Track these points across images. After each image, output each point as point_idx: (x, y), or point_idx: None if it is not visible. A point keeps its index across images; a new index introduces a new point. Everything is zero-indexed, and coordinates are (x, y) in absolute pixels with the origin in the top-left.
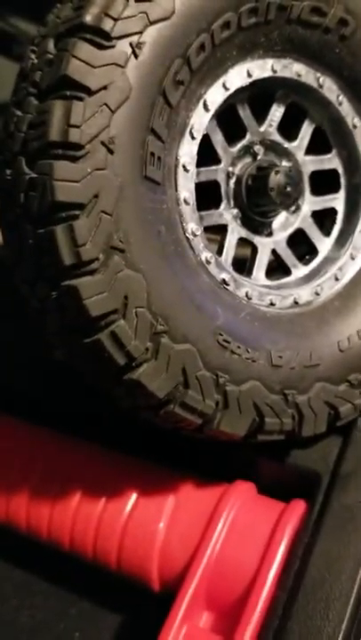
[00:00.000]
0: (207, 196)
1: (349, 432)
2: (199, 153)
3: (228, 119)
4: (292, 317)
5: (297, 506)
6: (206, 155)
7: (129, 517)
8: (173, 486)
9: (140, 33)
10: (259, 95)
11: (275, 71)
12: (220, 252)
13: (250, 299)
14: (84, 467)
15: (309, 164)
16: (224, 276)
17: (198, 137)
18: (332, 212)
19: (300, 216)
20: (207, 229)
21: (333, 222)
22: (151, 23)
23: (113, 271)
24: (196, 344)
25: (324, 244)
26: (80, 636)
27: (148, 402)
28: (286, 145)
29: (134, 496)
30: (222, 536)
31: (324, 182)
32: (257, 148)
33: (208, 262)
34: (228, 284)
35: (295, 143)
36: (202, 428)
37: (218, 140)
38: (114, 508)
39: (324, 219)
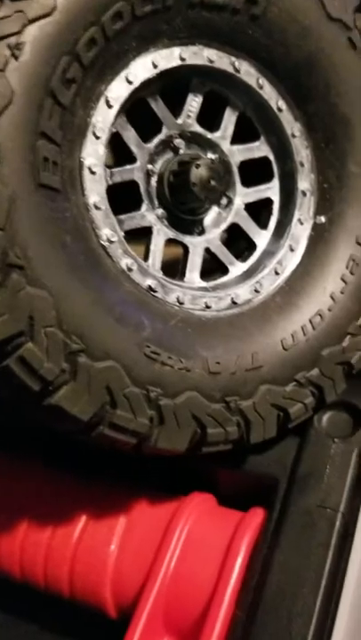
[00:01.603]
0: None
1: (305, 432)
2: (119, 154)
3: (144, 115)
4: (230, 319)
5: (255, 515)
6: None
7: (78, 542)
8: (125, 505)
9: (19, 33)
10: (174, 86)
11: (183, 59)
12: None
13: (182, 304)
14: (30, 491)
15: (237, 153)
16: (150, 282)
17: (104, 136)
18: (268, 202)
19: (233, 210)
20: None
21: (270, 214)
22: (30, 22)
23: (13, 290)
24: (119, 360)
25: (261, 238)
26: None
27: (73, 426)
28: (209, 136)
29: (84, 518)
30: (176, 554)
31: (257, 172)
32: (177, 141)
33: (130, 269)
34: (155, 291)
35: (219, 133)
36: (139, 447)
37: (130, 136)
38: (63, 534)
39: (260, 211)
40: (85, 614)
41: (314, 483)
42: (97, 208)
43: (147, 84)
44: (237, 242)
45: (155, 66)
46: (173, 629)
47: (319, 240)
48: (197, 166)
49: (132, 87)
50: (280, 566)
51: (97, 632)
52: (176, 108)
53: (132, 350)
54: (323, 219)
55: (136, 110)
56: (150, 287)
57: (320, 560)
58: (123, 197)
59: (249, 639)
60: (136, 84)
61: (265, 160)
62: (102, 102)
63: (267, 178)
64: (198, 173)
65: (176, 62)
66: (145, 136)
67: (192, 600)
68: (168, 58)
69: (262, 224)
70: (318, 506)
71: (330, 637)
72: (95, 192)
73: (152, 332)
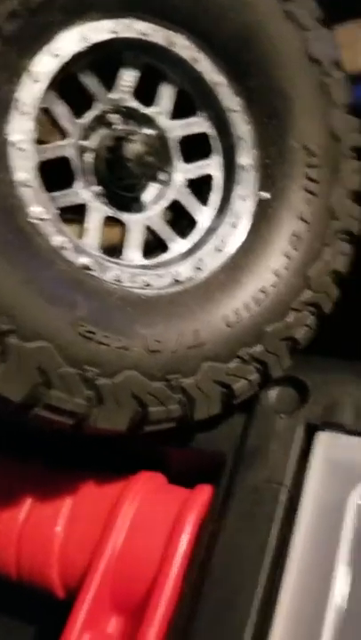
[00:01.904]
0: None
1: (252, 408)
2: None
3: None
4: (171, 297)
5: (202, 491)
6: None
7: (24, 524)
8: (70, 486)
9: None
10: (109, 61)
11: (115, 32)
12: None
13: (120, 282)
14: None
15: (176, 129)
16: (85, 260)
17: (32, 111)
18: (209, 179)
19: (173, 186)
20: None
21: (211, 190)
22: None
23: None
24: (52, 340)
25: (203, 214)
26: None
27: (6, 407)
28: (145, 110)
29: (29, 501)
30: (122, 533)
31: (198, 148)
32: (113, 117)
33: (63, 248)
34: (91, 269)
35: (156, 108)
36: (78, 428)
37: (61, 112)
38: (8, 517)
39: (202, 187)
40: (34, 596)
41: (260, 458)
42: (25, 185)
43: (77, 58)
44: (179, 219)
45: (84, 39)
46: (121, 608)
47: (262, 216)
48: (132, 141)
49: (60, 61)
50: (226, 541)
51: (46, 614)
52: (110, 82)
53: (65, 330)
54: (265, 195)
55: (71, 86)
56: (86, 265)
57: (266, 533)
58: (57, 174)
59: (196, 614)
60: (64, 58)
61: (205, 135)
62: (27, 77)
63: (207, 153)
64: (133, 148)
65: (107, 35)
66: (81, 112)
67: (139, 578)
68: (98, 31)
69: (204, 200)
70: (264, 481)
71: (275, 607)
72: (23, 169)
73: (87, 310)
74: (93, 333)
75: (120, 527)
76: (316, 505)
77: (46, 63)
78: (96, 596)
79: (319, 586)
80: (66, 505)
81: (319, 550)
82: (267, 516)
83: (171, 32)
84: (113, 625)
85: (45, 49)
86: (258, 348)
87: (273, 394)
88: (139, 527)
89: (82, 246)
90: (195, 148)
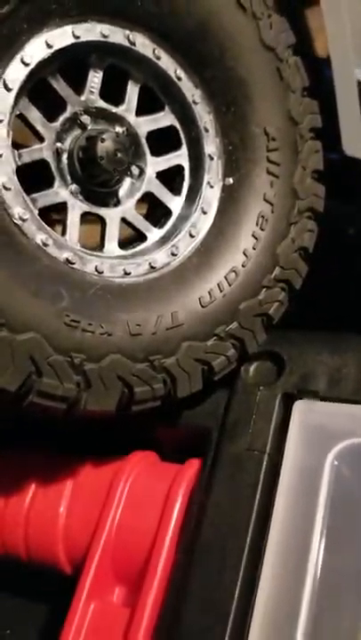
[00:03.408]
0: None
1: (233, 383)
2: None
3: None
4: (149, 283)
5: (190, 466)
6: None
7: (30, 507)
8: (70, 470)
9: None
10: (74, 64)
11: (77, 37)
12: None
13: (101, 272)
14: None
15: (144, 124)
16: (67, 255)
17: (5, 119)
18: (179, 169)
19: (145, 179)
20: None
21: (181, 180)
22: None
23: None
24: (40, 330)
25: (175, 203)
26: (11, 634)
27: (3, 397)
28: (114, 110)
29: (33, 486)
30: (120, 508)
31: (166, 141)
32: (84, 118)
33: (45, 244)
34: (72, 263)
35: (123, 107)
36: (70, 412)
37: (35, 117)
38: (15, 502)
39: (173, 178)
40: (42, 575)
41: (242, 429)
42: (6, 188)
43: (44, 64)
44: (155, 210)
45: (49, 46)
46: (123, 578)
47: (229, 201)
48: (103, 140)
49: (28, 69)
50: (214, 508)
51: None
52: (79, 85)
53: (51, 320)
54: (231, 180)
55: (43, 91)
56: (67, 259)
57: (250, 498)
58: (37, 176)
59: (189, 579)
60: (32, 65)
61: (172, 128)
62: (0, 85)
63: (175, 146)
64: (104, 147)
65: (70, 40)
66: (54, 116)
67: (137, 549)
68: (62, 36)
69: (175, 190)
70: (247, 449)
71: (261, 567)
72: (2, 173)
73: (71, 301)
74: (78, 322)
75: (117, 504)
76: (296, 468)
77: (17, 71)
78: (99, 567)
79: (299, 543)
80: (67, 487)
81: (300, 509)
82: (251, 482)
83: (130, 31)
84: (117, 594)
85: (16, 58)
86: (233, 326)
87: (251, 368)
88: (134, 502)
89: (63, 242)
90: (161, 140)
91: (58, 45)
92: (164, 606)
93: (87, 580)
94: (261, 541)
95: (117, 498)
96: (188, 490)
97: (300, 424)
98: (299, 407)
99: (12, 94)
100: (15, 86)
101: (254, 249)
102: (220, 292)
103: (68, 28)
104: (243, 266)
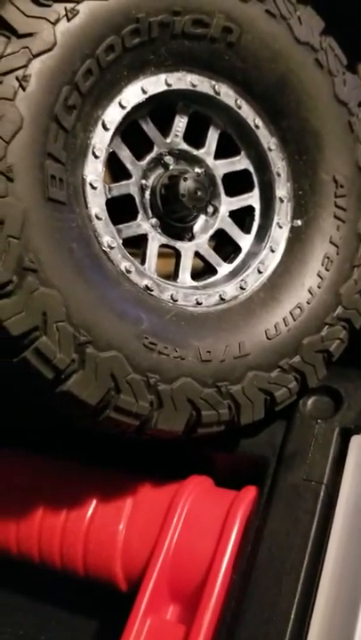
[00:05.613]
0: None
1: (292, 416)
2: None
3: (136, 135)
4: (219, 313)
5: (248, 492)
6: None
7: (90, 523)
8: (130, 489)
9: (25, 66)
10: (162, 109)
11: (169, 85)
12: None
13: (175, 301)
14: (43, 479)
15: (221, 167)
16: (146, 282)
17: (102, 155)
18: (250, 209)
19: (219, 217)
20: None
21: (252, 219)
22: (34, 56)
23: (28, 291)
24: (122, 350)
25: (245, 241)
26: None
27: (82, 411)
28: (195, 152)
29: (94, 502)
30: (178, 529)
31: (239, 183)
32: (167, 158)
33: (128, 271)
34: (151, 290)
35: (204, 150)
36: (141, 429)
37: (125, 155)
38: (76, 517)
39: (244, 217)
40: (98, 591)
41: (300, 460)
42: (98, 218)
43: (138, 107)
44: (224, 246)
45: (144, 92)
46: (178, 597)
47: (297, 241)
48: (185, 179)
49: (125, 111)
50: (271, 534)
51: (109, 606)
52: (165, 128)
53: (132, 341)
54: (299, 222)
55: (130, 131)
56: (147, 286)
57: (306, 526)
58: (120, 209)
59: (245, 598)
60: (128, 108)
61: (246, 172)
62: (100, 125)
63: (248, 188)
64: (186, 186)
65: (163, 88)
66: (138, 154)
67: (194, 570)
68: (156, 84)
69: (246, 229)
70: (304, 480)
71: (316, 592)
72: (96, 204)
73: (149, 325)
74: (155, 345)
75: (176, 524)
76: (352, 500)
77: (114, 113)
78: (156, 586)
79: (354, 572)
80: (127, 506)
81: (355, 539)
82: (308, 510)
83: (216, 82)
84: (171, 611)
85: (115, 101)
86: (296, 359)
87: (309, 402)
88: (192, 524)
89: (143, 270)
90: (236, 182)
91: (152, 91)
92: (219, 625)
93: (145, 596)
94: (317, 568)
95: (176, 518)
96: (245, 514)
97: (358, 458)
98: (356, 441)
99: (109, 134)
100: (112, 127)
101: (319, 287)
102: (286, 326)
103: (162, 77)
104: (308, 303)
